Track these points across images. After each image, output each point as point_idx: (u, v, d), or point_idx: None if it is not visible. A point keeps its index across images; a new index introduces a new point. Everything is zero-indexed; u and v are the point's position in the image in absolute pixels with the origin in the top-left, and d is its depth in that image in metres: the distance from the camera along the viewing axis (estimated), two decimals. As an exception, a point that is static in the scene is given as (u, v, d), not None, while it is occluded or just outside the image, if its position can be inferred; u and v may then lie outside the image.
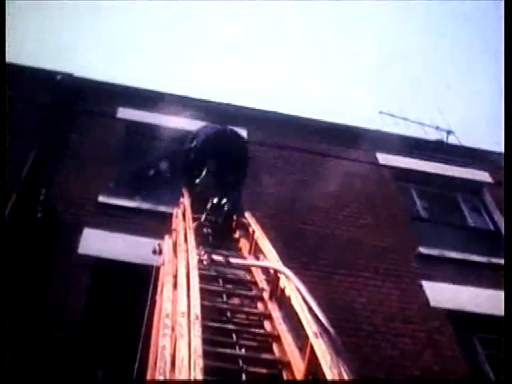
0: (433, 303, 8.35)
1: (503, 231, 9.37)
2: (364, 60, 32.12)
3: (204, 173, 6.52)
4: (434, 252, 9.20)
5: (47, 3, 24.93)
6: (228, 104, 11.10)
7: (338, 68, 34.73)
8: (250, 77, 28.60)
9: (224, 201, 6.21)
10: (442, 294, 8.47)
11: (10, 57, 10.28)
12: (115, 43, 30.84)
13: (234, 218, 6.21)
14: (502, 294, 4.80)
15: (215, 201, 6.26)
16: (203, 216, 6.17)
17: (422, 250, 9.14)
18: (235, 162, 6.63)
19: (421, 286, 8.57)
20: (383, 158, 11.02)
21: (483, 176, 11.26)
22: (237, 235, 6.06)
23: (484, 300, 8.32)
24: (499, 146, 9.67)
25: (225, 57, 32.40)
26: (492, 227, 10.59)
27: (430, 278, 8.70)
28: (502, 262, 7.40)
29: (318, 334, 2.89)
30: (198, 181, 6.58)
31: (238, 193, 6.50)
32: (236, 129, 7.45)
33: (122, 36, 32.08)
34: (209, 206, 6.23)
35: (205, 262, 4.85)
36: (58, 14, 27.64)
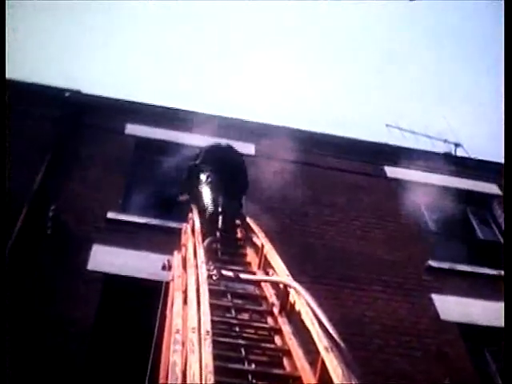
0: (443, 316, 8.31)
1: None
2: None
3: (207, 186, 6.59)
4: (444, 265, 9.16)
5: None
6: (236, 119, 11.13)
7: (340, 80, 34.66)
8: (252, 89, 28.54)
9: (224, 208, 6.23)
10: (452, 307, 8.43)
11: (20, 75, 10.42)
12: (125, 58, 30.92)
13: (238, 226, 6.21)
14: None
15: (219, 209, 6.26)
16: (217, 233, 6.16)
17: (432, 263, 9.10)
18: (233, 172, 6.72)
19: (431, 299, 8.53)
20: (391, 171, 11.02)
21: (492, 188, 11.23)
22: (245, 249, 6.04)
23: (495, 313, 8.26)
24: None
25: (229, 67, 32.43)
26: (501, 240, 10.52)
27: (440, 292, 8.66)
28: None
29: (329, 349, 2.88)
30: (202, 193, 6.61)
31: (238, 201, 6.56)
32: (244, 143, 7.49)
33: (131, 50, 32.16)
34: (220, 225, 6.20)
35: (214, 277, 4.86)
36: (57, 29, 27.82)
